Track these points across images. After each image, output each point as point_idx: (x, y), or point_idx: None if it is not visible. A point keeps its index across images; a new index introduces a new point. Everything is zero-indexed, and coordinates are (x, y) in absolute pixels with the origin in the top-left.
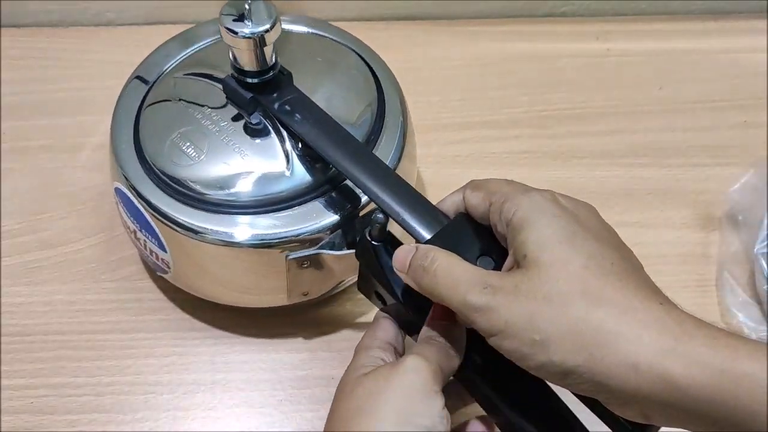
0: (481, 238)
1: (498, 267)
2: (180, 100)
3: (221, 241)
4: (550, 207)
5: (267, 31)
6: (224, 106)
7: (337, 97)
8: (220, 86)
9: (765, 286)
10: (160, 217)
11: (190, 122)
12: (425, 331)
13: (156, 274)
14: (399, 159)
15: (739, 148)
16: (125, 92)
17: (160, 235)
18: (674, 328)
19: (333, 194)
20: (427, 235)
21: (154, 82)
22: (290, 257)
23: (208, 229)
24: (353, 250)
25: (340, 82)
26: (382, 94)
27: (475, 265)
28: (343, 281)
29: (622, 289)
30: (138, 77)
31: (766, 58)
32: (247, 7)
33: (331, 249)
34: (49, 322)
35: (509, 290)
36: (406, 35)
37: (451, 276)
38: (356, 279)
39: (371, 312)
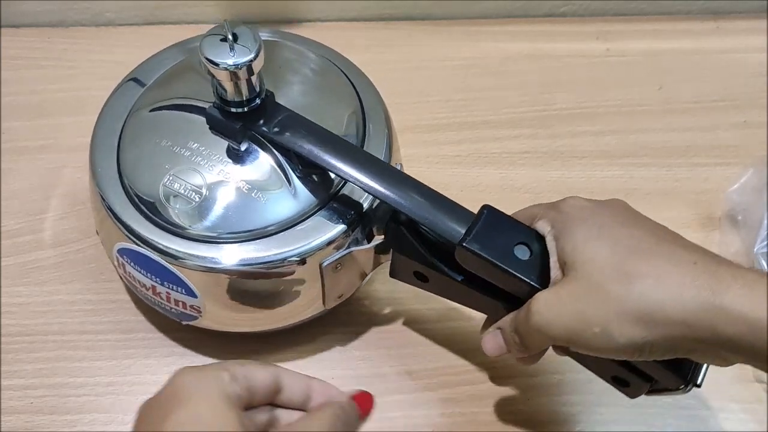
0: (511, 228)
1: (533, 254)
2: (162, 139)
3: (256, 268)
4: (577, 212)
5: (253, 59)
6: (209, 136)
7: (318, 109)
8: (201, 116)
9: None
10: (185, 264)
11: (179, 161)
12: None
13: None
14: (389, 162)
15: (738, 148)
16: (96, 138)
17: (188, 282)
18: (710, 283)
19: (344, 193)
20: (460, 232)
21: (126, 120)
22: (325, 264)
23: (240, 260)
24: (380, 240)
25: (319, 92)
26: (360, 99)
27: (513, 254)
28: (368, 275)
29: (652, 260)
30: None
31: (766, 58)
32: (230, 35)
33: (358, 245)
34: (49, 322)
35: (553, 302)
36: (406, 35)
37: (518, 320)
38: (373, 274)
39: (370, 311)
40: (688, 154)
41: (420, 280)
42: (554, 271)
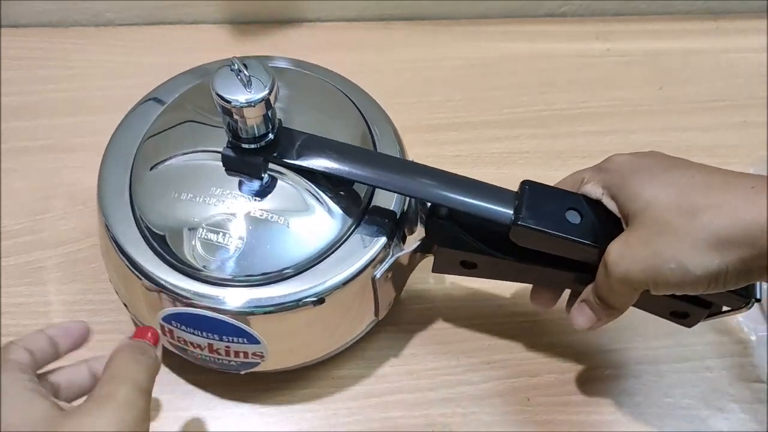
0: (556, 196)
1: (584, 216)
2: (180, 194)
3: (319, 297)
4: (625, 167)
5: (270, 93)
6: (228, 178)
7: (323, 128)
8: (213, 160)
9: (765, 286)
10: (244, 312)
11: (207, 211)
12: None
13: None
14: None
15: (738, 148)
16: (107, 210)
17: (249, 330)
18: None
19: (375, 204)
20: (508, 212)
21: (132, 184)
22: (378, 276)
23: (301, 293)
24: (420, 239)
25: (318, 111)
26: (362, 112)
27: (566, 221)
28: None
29: (711, 191)
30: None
31: (766, 58)
32: (245, 71)
33: (401, 250)
34: (50, 322)
35: (626, 250)
36: (406, 35)
37: (597, 283)
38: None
39: None
40: (688, 154)
41: (467, 268)
42: (623, 226)
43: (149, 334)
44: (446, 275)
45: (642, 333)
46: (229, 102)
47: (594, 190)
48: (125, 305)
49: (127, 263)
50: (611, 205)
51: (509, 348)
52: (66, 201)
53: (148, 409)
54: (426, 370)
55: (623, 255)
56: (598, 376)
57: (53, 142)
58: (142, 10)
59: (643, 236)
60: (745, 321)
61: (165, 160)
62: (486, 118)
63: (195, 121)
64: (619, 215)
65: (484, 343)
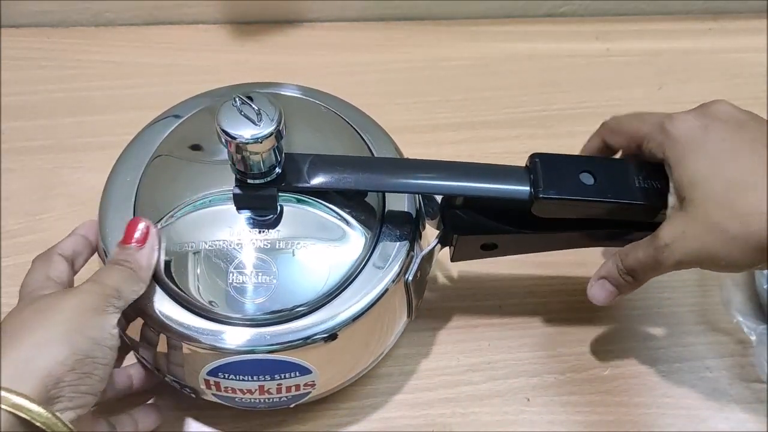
0: (567, 163)
1: (596, 180)
2: (198, 243)
3: (363, 315)
4: (689, 139)
5: (279, 123)
6: (241, 217)
7: (319, 146)
8: (221, 203)
9: (765, 286)
10: (296, 346)
11: (231, 254)
12: (116, 253)
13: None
14: None
15: None
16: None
17: (300, 362)
18: None
19: (390, 209)
20: (524, 189)
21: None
22: (410, 279)
23: (344, 314)
24: (440, 234)
25: (311, 129)
26: (347, 122)
27: (583, 184)
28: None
29: (764, 194)
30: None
31: (766, 58)
32: (254, 106)
33: (423, 249)
34: None
35: (682, 240)
36: (406, 35)
37: (639, 263)
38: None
39: None
40: None
41: (488, 250)
42: (671, 199)
43: (134, 239)
44: (444, 274)
45: (642, 333)
46: (235, 138)
47: (657, 153)
48: (158, 369)
49: (166, 327)
50: (669, 172)
51: (509, 348)
52: (66, 201)
53: (107, 304)
54: (426, 370)
55: (678, 245)
56: (598, 376)
57: (53, 142)
58: (142, 10)
59: (698, 232)
60: (745, 321)
61: (168, 215)
62: (486, 118)
63: (195, 161)
64: (673, 188)
65: (484, 343)
